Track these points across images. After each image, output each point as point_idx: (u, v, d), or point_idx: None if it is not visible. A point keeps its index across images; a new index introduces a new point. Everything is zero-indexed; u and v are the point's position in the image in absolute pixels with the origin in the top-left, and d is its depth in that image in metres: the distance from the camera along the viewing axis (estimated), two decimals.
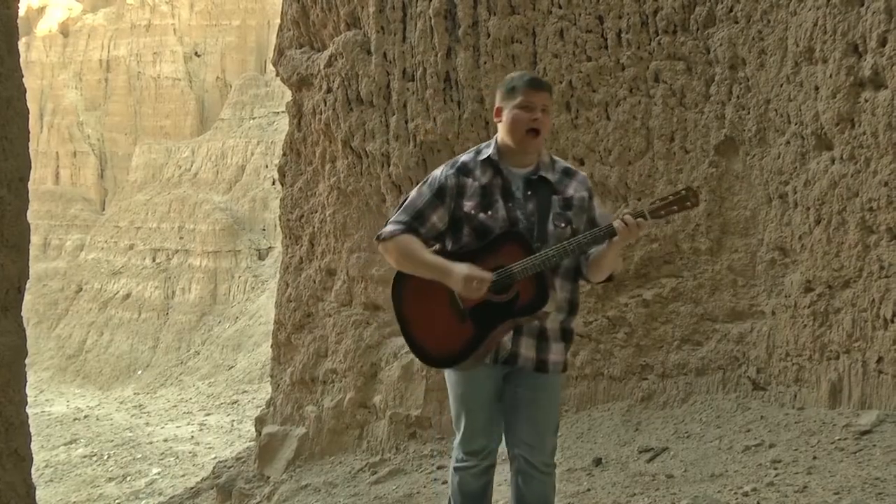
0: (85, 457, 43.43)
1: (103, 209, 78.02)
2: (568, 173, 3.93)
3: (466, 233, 3.75)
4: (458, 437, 4.00)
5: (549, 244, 3.68)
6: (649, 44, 9.79)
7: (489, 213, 3.72)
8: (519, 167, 3.82)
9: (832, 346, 7.72)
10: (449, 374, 3.95)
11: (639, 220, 3.65)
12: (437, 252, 3.80)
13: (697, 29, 9.34)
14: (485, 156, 3.83)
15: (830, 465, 6.09)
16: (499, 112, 3.85)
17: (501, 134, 3.84)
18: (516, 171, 3.82)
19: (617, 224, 3.65)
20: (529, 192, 3.78)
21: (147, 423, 48.50)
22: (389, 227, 3.82)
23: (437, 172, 3.86)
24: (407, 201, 3.86)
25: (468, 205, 3.74)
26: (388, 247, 3.81)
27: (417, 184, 3.88)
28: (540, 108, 3.75)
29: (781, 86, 8.35)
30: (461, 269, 3.61)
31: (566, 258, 3.71)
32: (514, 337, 3.79)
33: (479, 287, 3.59)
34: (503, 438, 4.02)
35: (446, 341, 3.73)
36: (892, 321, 6.94)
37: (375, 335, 13.10)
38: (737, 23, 8.90)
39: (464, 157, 3.87)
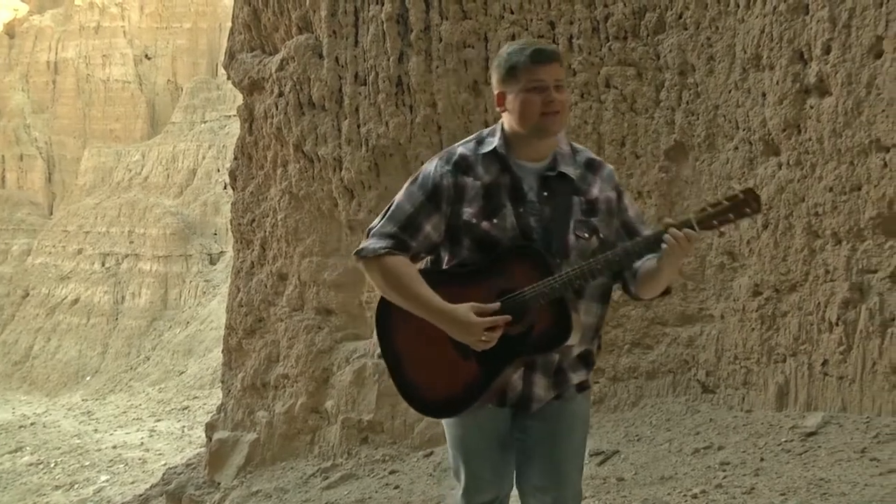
0: (31, 465, 42.74)
1: (51, 213, 76.82)
2: (592, 166, 3.08)
3: (467, 245, 2.95)
4: (460, 489, 3.20)
5: (570, 260, 2.91)
6: (600, 49, 9.86)
7: (494, 220, 2.91)
8: (531, 160, 2.99)
9: (779, 349, 7.83)
10: (446, 424, 3.20)
11: (686, 231, 2.88)
12: (430, 274, 3.00)
13: (647, 35, 9.43)
14: (488, 147, 2.99)
15: (777, 467, 6.17)
16: (501, 99, 2.99)
17: (509, 122, 2.99)
18: (528, 166, 2.98)
19: (667, 237, 2.87)
20: (546, 193, 2.96)
21: (95, 430, 47.83)
22: (372, 242, 2.96)
23: (430, 168, 3.01)
24: (393, 206, 3.01)
25: (468, 211, 2.93)
26: (372, 267, 2.96)
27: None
28: (553, 83, 2.91)
29: (730, 92, 8.45)
30: (463, 313, 2.83)
31: (592, 280, 2.91)
32: (525, 374, 2.99)
33: (490, 337, 2.83)
34: (514, 484, 3.23)
35: (443, 384, 2.96)
36: (837, 324, 7.05)
37: (327, 340, 13.04)
38: (686, 29, 9.00)
39: (461, 149, 3.02)
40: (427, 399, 3.00)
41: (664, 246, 2.88)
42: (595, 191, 3.03)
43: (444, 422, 3.18)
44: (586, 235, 2.96)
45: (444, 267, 3.03)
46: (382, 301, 3.04)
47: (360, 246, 2.99)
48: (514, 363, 2.92)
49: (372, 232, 2.99)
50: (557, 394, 3.04)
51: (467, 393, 2.93)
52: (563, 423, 3.09)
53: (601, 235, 3.00)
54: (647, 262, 2.99)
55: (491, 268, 2.91)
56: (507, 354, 2.88)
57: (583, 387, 3.10)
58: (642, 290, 3.06)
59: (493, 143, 2.99)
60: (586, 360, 3.10)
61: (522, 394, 3.00)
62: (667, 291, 3.11)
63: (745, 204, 2.88)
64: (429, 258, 3.06)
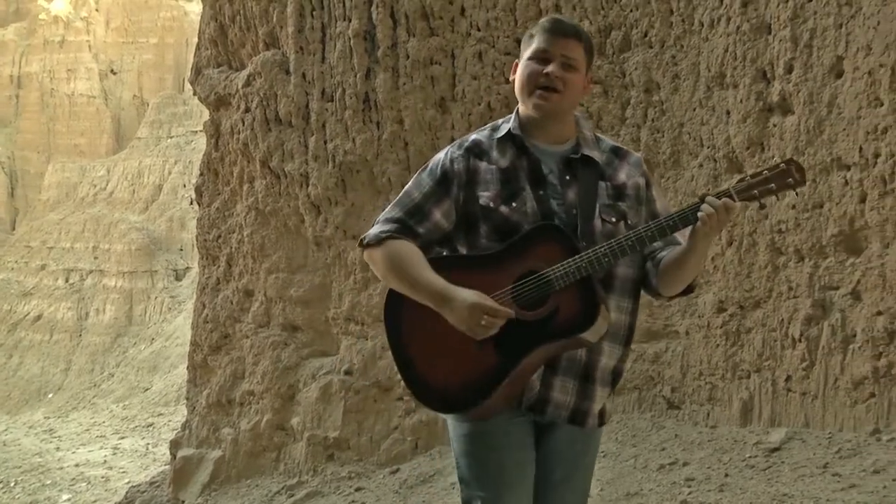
0: None
1: (13, 229, 75.97)
2: (618, 153, 2.91)
3: (484, 233, 2.74)
4: (478, 499, 2.79)
5: (595, 246, 2.67)
6: None
7: (513, 204, 2.71)
8: (551, 143, 2.82)
9: (743, 365, 7.88)
10: (455, 424, 2.83)
11: (724, 200, 2.65)
12: (442, 259, 2.79)
13: (613, 53, 9.50)
14: (503, 131, 2.82)
15: (741, 483, 6.21)
16: (515, 68, 2.86)
17: (518, 99, 2.85)
18: (548, 149, 2.81)
19: (704, 207, 2.63)
20: (568, 177, 2.77)
21: (58, 448, 47.17)
22: (376, 228, 2.80)
23: (440, 155, 2.85)
24: (401, 193, 2.85)
25: (485, 195, 2.73)
26: (374, 255, 2.78)
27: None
28: (559, 59, 2.73)
29: (694, 110, 8.53)
30: (465, 297, 2.59)
31: (623, 257, 2.67)
32: (544, 375, 2.73)
33: (489, 324, 2.57)
34: None
35: (457, 374, 2.67)
36: (800, 341, 7.12)
37: (293, 356, 12.97)
38: (651, 48, 9.08)
39: (475, 136, 2.87)
40: (438, 393, 2.71)
41: (700, 214, 2.63)
42: (622, 175, 2.86)
43: (456, 434, 2.84)
44: (613, 220, 2.76)
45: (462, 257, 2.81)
46: (391, 292, 2.81)
47: (364, 234, 2.83)
48: (537, 353, 2.64)
49: (377, 220, 2.84)
50: (578, 409, 2.79)
51: (483, 384, 2.63)
52: (584, 458, 2.91)
53: (629, 221, 2.79)
54: (670, 253, 2.79)
55: (510, 249, 2.68)
56: (528, 342, 2.62)
57: (602, 419, 2.88)
58: (665, 283, 2.81)
59: (508, 126, 2.83)
60: (615, 376, 2.86)
61: (539, 396, 2.74)
62: (690, 289, 2.87)
63: (787, 174, 2.68)
64: (443, 252, 2.85)
